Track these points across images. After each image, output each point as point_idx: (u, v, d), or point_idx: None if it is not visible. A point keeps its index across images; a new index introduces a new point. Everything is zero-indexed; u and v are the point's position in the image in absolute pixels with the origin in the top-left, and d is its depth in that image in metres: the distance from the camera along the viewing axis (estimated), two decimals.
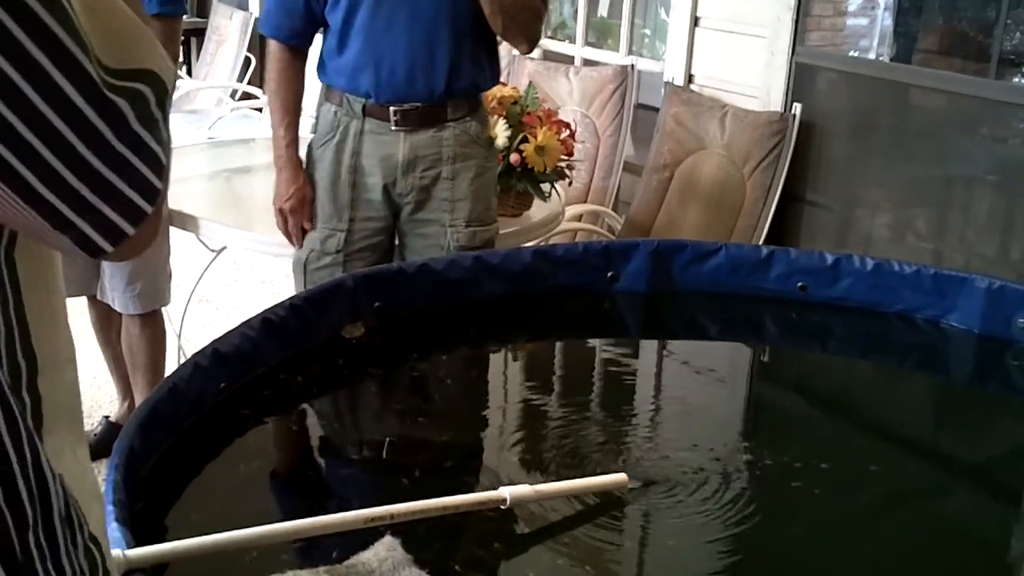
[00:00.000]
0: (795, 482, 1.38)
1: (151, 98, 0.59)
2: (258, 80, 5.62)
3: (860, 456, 1.52)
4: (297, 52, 2.36)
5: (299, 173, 2.34)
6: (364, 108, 2.27)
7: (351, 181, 2.30)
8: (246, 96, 5.48)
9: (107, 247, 0.59)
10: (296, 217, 2.34)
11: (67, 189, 0.56)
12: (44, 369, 0.65)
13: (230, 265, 4.18)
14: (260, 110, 5.21)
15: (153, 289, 2.66)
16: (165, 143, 0.61)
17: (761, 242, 3.21)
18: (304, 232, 2.36)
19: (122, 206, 0.59)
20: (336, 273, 2.25)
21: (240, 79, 5.80)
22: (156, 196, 0.61)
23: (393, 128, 2.26)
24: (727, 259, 1.95)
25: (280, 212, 2.35)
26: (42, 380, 0.65)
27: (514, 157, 2.72)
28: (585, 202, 3.83)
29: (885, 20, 4.22)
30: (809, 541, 1.31)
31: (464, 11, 2.20)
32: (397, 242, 2.40)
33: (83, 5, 0.56)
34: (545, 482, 1.32)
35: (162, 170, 0.61)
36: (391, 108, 2.25)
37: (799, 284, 1.92)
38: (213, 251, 3.00)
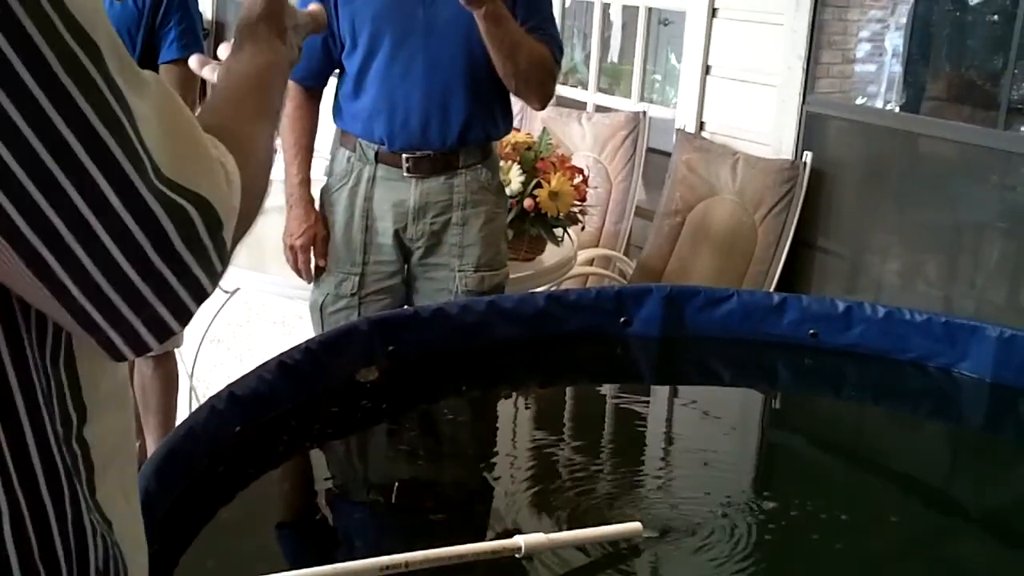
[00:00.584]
0: (808, 529, 1.38)
1: (198, 222, 0.58)
2: None
3: (874, 505, 1.52)
4: (312, 92, 2.40)
5: (310, 211, 2.36)
6: (377, 154, 2.29)
7: (364, 226, 2.32)
8: None
9: (130, 355, 0.60)
10: (306, 254, 2.36)
11: (100, 295, 0.56)
12: (91, 418, 0.65)
13: (243, 306, 4.19)
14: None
15: None
16: (214, 273, 0.60)
17: (772, 288, 3.22)
18: (319, 269, 2.38)
19: (152, 321, 0.58)
20: (352, 316, 2.27)
21: None
22: (188, 318, 0.61)
23: (405, 175, 2.28)
24: (739, 305, 1.95)
25: (291, 249, 2.37)
26: (88, 429, 0.65)
27: (528, 202, 2.74)
28: (597, 246, 3.84)
29: (893, 67, 4.25)
30: None
31: (480, 65, 2.22)
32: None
33: (158, 110, 0.57)
34: (559, 529, 1.32)
35: (203, 297, 0.61)
36: (403, 155, 2.27)
37: (811, 331, 1.93)
38: (226, 292, 3.02)
